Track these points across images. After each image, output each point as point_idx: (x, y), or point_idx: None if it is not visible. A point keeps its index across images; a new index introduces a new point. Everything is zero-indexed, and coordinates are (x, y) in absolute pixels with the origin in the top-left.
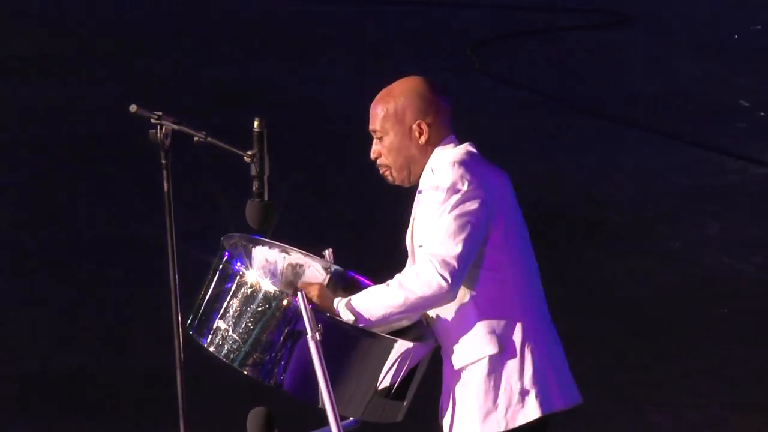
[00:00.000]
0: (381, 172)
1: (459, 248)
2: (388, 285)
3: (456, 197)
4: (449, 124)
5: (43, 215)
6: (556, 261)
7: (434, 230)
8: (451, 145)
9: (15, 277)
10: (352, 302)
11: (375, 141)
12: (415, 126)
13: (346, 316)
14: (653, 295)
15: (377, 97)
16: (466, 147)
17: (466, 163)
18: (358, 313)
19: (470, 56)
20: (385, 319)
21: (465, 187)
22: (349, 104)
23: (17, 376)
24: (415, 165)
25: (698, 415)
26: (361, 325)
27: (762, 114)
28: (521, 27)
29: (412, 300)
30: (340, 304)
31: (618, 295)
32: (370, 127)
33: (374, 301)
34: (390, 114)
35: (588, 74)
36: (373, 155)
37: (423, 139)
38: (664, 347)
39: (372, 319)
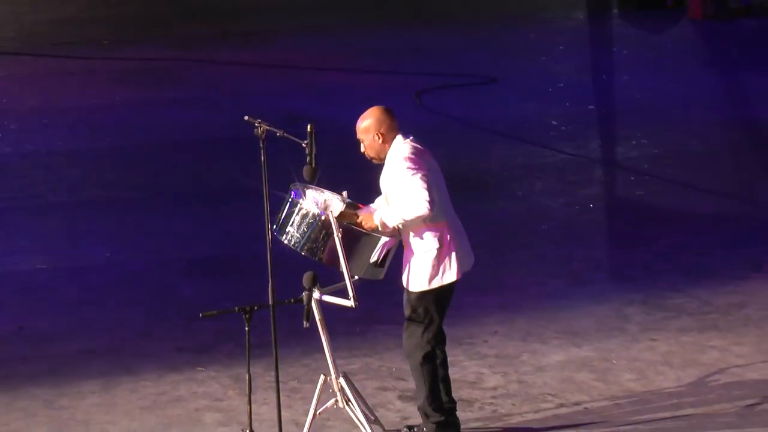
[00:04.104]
0: (368, 158)
1: (426, 189)
2: (395, 209)
3: (413, 169)
4: (396, 127)
5: (207, 175)
6: (461, 201)
7: (410, 186)
8: (400, 140)
9: (175, 210)
10: (382, 216)
11: (361, 143)
12: (376, 134)
13: (379, 223)
14: (507, 219)
15: (358, 120)
16: (410, 141)
17: (413, 151)
18: (384, 221)
19: (415, 98)
20: (396, 225)
21: (416, 164)
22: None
23: (180, 261)
24: (382, 153)
25: (532, 281)
26: (388, 227)
27: (563, 128)
28: (440, 83)
29: (411, 217)
30: (377, 217)
31: (487, 218)
32: (358, 136)
33: (391, 216)
34: (364, 130)
35: (475, 109)
36: (362, 150)
37: (381, 140)
38: (512, 245)
39: (390, 224)
